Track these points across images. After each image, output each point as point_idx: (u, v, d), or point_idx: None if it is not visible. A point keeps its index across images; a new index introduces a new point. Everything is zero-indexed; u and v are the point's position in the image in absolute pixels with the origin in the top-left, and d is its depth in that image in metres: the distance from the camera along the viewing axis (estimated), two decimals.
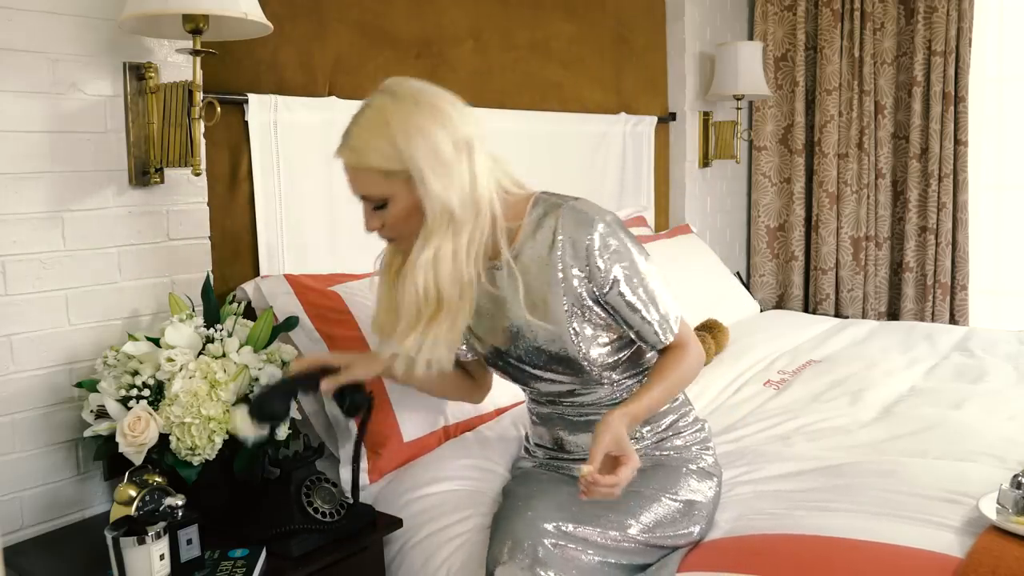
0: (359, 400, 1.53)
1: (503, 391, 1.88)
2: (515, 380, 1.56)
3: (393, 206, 1.33)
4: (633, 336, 1.45)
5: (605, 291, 1.39)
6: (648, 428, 1.52)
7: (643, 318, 1.41)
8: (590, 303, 1.40)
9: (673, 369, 1.42)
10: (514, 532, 1.33)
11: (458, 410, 1.88)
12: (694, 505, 1.45)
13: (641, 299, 1.40)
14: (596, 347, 1.43)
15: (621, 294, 1.39)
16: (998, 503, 1.33)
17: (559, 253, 1.38)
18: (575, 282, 1.39)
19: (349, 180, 1.36)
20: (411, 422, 1.80)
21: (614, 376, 1.49)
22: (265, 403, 1.45)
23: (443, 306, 1.36)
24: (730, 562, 1.32)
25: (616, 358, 1.47)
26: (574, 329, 1.40)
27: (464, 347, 1.58)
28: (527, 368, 1.49)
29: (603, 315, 1.42)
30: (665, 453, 1.52)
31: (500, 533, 1.36)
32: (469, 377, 1.69)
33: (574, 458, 1.54)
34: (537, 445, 1.62)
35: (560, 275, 1.39)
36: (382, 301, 1.47)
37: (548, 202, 1.43)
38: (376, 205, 1.35)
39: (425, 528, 1.55)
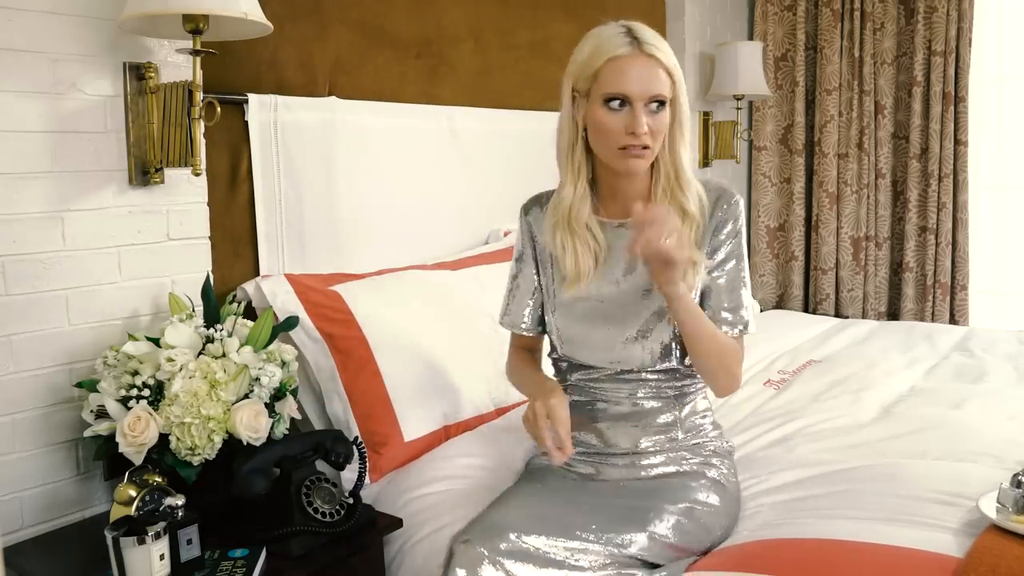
0: (346, 451, 1.55)
1: (504, 388, 1.88)
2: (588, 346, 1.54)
3: (667, 110, 1.40)
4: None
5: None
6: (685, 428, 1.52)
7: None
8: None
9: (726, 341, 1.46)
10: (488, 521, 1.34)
11: (459, 409, 1.88)
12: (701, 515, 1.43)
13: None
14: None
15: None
16: (998, 502, 1.33)
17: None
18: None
19: (638, 78, 1.37)
20: (412, 422, 1.80)
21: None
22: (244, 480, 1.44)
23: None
24: (734, 563, 1.32)
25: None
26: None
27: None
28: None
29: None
30: (688, 459, 1.50)
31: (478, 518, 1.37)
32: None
33: (599, 452, 1.52)
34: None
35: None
36: (578, 252, 1.47)
37: None
38: (656, 105, 1.39)
39: (425, 527, 1.55)
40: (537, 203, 1.57)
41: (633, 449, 1.49)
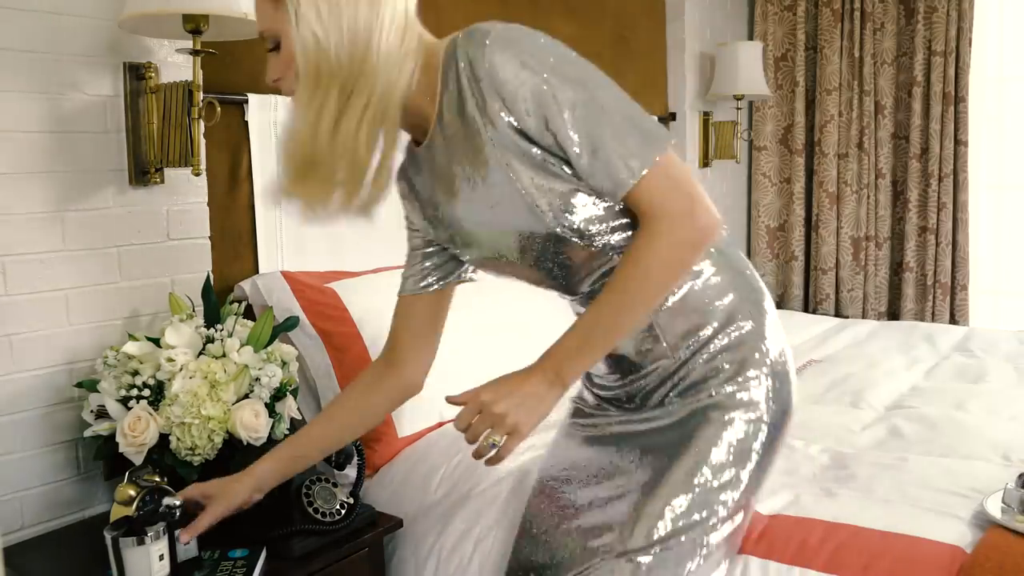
0: (346, 451, 1.54)
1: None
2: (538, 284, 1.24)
3: (285, 47, 1.08)
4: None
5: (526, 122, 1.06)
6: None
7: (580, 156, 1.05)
8: (527, 146, 1.07)
9: (619, 277, 1.08)
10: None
11: (453, 406, 1.88)
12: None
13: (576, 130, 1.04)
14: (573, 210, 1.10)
15: (546, 124, 1.05)
16: (1003, 502, 1.34)
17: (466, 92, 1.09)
18: (500, 123, 1.07)
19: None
20: (406, 418, 1.81)
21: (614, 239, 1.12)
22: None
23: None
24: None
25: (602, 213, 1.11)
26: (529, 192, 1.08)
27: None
28: (523, 270, 1.20)
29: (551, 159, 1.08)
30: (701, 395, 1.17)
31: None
32: (383, 389, 1.37)
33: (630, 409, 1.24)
34: (597, 388, 1.30)
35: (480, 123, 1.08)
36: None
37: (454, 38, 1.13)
38: (271, 47, 1.11)
39: (425, 526, 1.56)
40: None
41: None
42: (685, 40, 3.32)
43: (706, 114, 3.46)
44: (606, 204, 1.11)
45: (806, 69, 3.64)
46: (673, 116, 3.36)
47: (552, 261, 1.17)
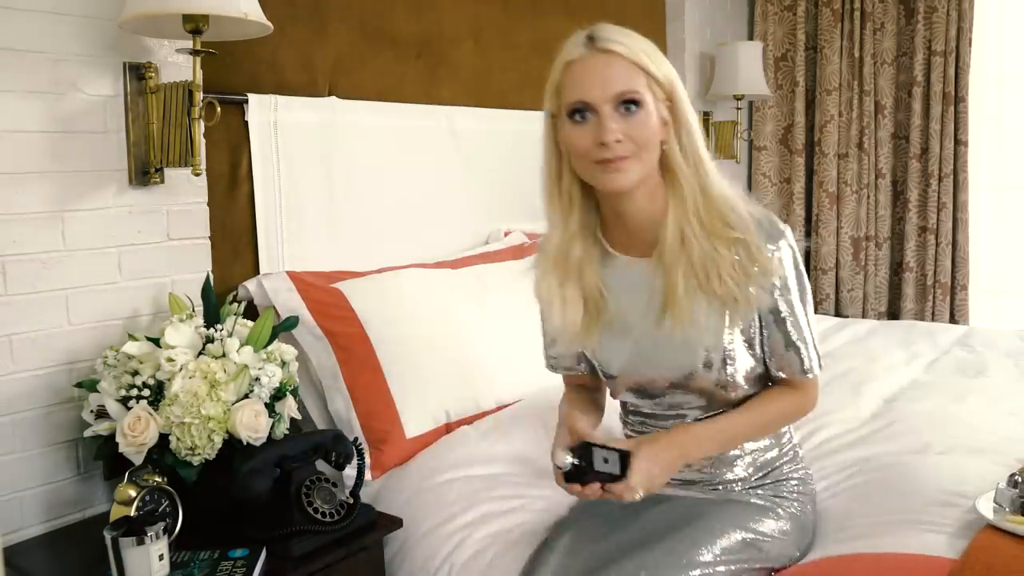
0: (346, 451, 1.55)
1: (506, 384, 1.88)
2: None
3: (645, 110, 1.20)
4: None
5: None
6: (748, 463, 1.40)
7: None
8: None
9: (761, 409, 1.34)
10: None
11: (460, 406, 1.88)
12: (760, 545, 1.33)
13: None
14: None
15: None
16: (995, 502, 1.33)
17: None
18: None
19: (594, 79, 1.20)
20: (413, 419, 1.80)
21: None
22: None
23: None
24: None
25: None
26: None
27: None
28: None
29: None
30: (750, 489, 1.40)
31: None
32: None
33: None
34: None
35: None
36: (567, 301, 1.32)
37: None
38: (626, 106, 1.20)
39: (426, 525, 1.55)
40: None
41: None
42: (685, 40, 3.31)
43: (706, 114, 3.46)
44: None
45: (806, 69, 3.64)
46: None
47: None
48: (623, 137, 1.19)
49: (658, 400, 1.39)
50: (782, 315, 1.30)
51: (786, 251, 1.29)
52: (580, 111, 1.21)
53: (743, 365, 1.32)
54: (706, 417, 1.36)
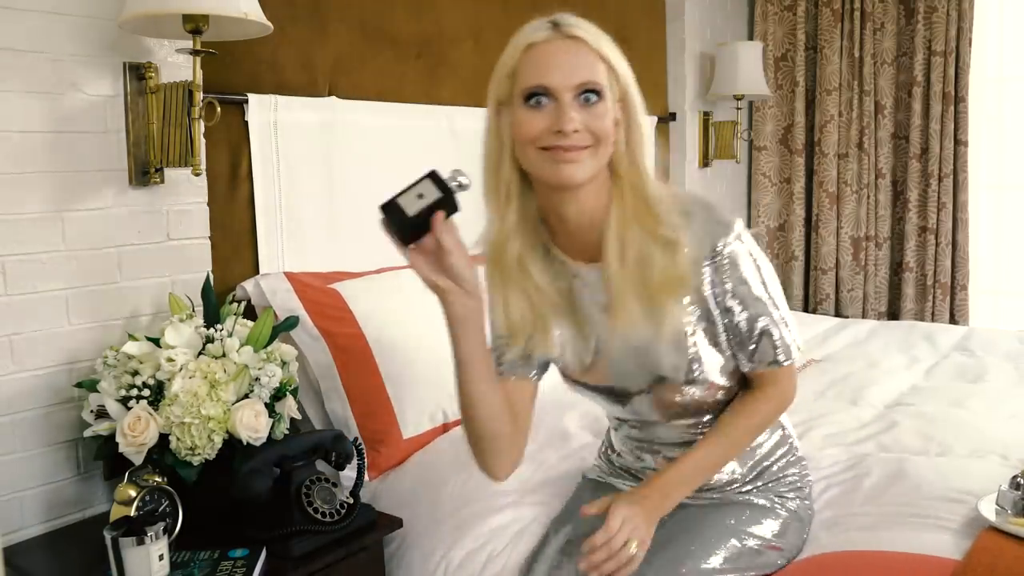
0: (346, 451, 1.55)
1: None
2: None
3: (604, 103, 1.14)
4: None
5: None
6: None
7: None
8: None
9: (728, 428, 1.31)
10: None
11: (457, 406, 1.87)
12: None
13: None
14: None
15: None
16: (997, 504, 1.33)
17: None
18: None
19: (559, 64, 1.13)
20: (411, 419, 1.80)
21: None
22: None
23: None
24: None
25: None
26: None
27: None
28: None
29: None
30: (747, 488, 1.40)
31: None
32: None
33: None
34: (618, 460, 1.50)
35: None
36: (510, 301, 1.24)
37: None
38: (586, 96, 1.13)
39: (423, 524, 1.55)
40: None
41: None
42: (685, 40, 3.31)
43: (706, 114, 3.46)
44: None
45: (806, 69, 3.64)
46: (673, 116, 3.36)
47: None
48: (581, 128, 1.12)
49: (634, 408, 1.35)
50: (738, 315, 1.24)
51: (737, 245, 1.22)
52: (537, 95, 1.13)
53: (712, 363, 1.28)
54: (693, 428, 1.36)
